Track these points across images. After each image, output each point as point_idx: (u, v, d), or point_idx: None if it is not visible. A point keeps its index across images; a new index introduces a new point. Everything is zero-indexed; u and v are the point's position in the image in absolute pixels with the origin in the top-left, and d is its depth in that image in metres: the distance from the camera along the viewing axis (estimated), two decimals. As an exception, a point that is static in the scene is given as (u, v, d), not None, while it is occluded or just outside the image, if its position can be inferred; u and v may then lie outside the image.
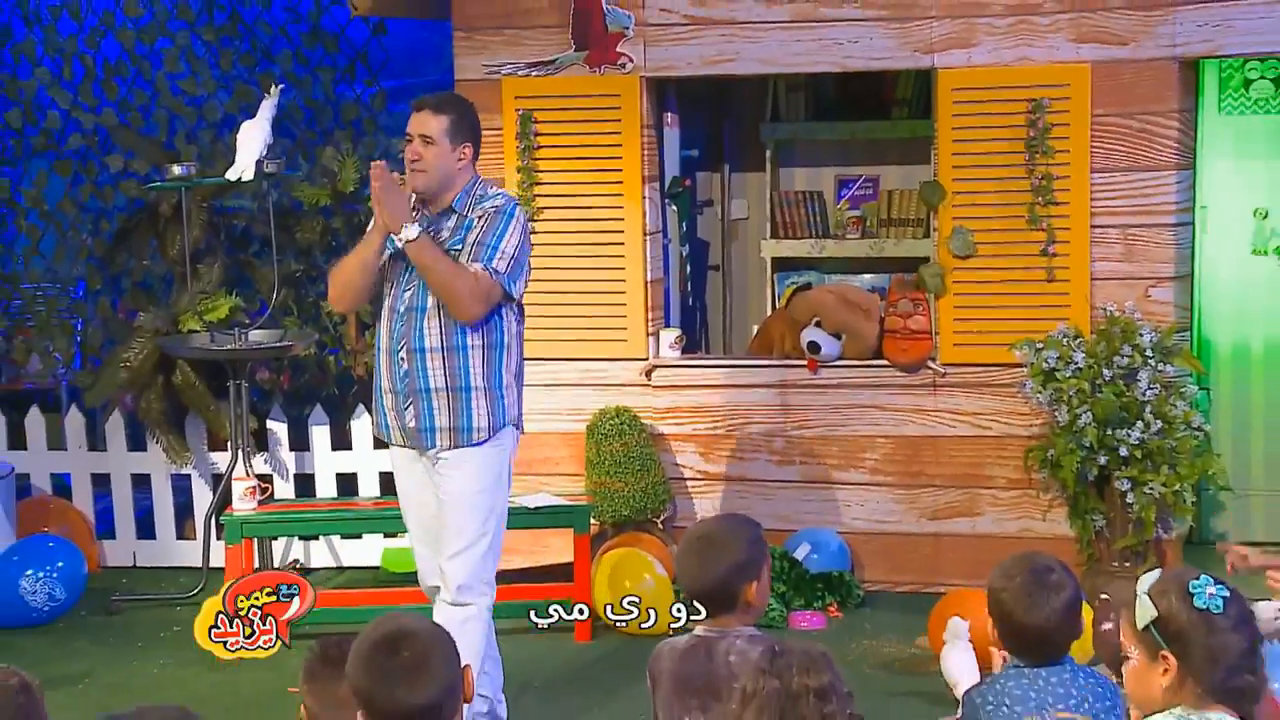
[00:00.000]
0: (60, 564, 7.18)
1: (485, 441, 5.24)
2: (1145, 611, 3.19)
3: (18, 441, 8.12)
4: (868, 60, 7.10)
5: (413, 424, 5.25)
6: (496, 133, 7.34)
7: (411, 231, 5.06)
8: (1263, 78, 7.39)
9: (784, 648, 3.04)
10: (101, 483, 8.10)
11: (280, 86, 7.32)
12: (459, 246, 5.20)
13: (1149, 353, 6.66)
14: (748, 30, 7.15)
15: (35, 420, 8.12)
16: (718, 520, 4.14)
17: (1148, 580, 3.25)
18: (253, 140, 7.13)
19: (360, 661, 3.14)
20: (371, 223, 5.26)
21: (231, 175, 7.15)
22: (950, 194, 7.04)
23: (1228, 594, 3.17)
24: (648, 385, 7.40)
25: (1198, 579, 3.17)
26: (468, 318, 5.13)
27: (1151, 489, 6.58)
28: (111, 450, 8.03)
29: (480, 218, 5.22)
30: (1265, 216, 7.46)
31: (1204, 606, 3.14)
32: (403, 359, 5.23)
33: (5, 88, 9.18)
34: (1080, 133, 6.86)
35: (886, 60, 7.11)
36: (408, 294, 5.23)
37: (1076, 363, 6.67)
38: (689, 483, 7.39)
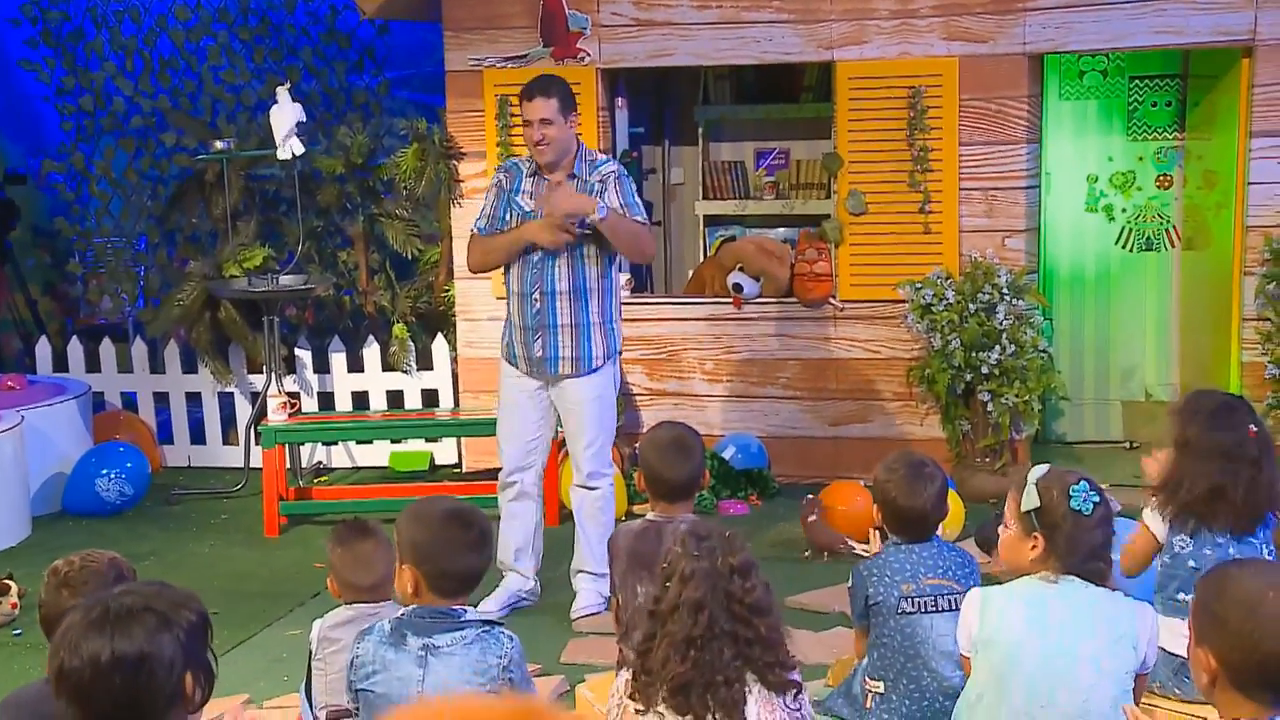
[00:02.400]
0: (129, 465, 7.11)
1: (601, 368, 5.28)
2: (1030, 499, 3.19)
3: (93, 366, 8.03)
4: (780, 54, 7.03)
5: (540, 354, 5.23)
6: (479, 114, 7.25)
7: (602, 212, 5.07)
8: (1093, 70, 7.37)
9: (706, 531, 3.00)
10: (161, 399, 8.02)
11: (288, 84, 7.19)
12: None
13: (1005, 290, 6.66)
14: (683, 30, 7.07)
15: (107, 349, 8.03)
16: (678, 428, 4.07)
17: (1038, 472, 3.24)
18: (286, 123, 7.03)
19: (434, 532, 3.14)
20: (526, 227, 5.19)
21: (283, 155, 7.07)
22: (847, 163, 6.99)
23: (1098, 499, 3.18)
24: (603, 318, 7.35)
25: (1078, 484, 3.17)
26: (648, 260, 5.43)
27: (1007, 399, 6.60)
28: (169, 372, 7.95)
29: (601, 181, 5.19)
30: (1095, 181, 7.45)
31: (1077, 508, 3.14)
32: (535, 300, 5.21)
33: (79, 78, 9.02)
34: (950, 113, 6.81)
35: (795, 54, 7.04)
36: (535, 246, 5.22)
37: (948, 299, 6.66)
38: (638, 397, 7.36)
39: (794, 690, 2.92)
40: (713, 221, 8.13)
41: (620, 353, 5.46)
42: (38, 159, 9.37)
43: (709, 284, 7.42)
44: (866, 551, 5.81)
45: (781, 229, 7.89)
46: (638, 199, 5.28)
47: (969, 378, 6.63)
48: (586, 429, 5.31)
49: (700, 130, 8.09)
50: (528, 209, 5.25)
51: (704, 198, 8.07)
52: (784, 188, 7.98)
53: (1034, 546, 3.18)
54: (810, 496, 6.18)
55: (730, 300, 7.20)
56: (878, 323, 7.04)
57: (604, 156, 5.37)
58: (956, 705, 3.27)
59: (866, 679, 3.67)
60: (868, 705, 3.64)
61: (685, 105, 8.15)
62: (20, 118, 9.55)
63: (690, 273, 7.93)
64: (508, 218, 5.30)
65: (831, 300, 7.10)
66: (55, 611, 3.10)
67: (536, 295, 5.22)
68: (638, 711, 2.95)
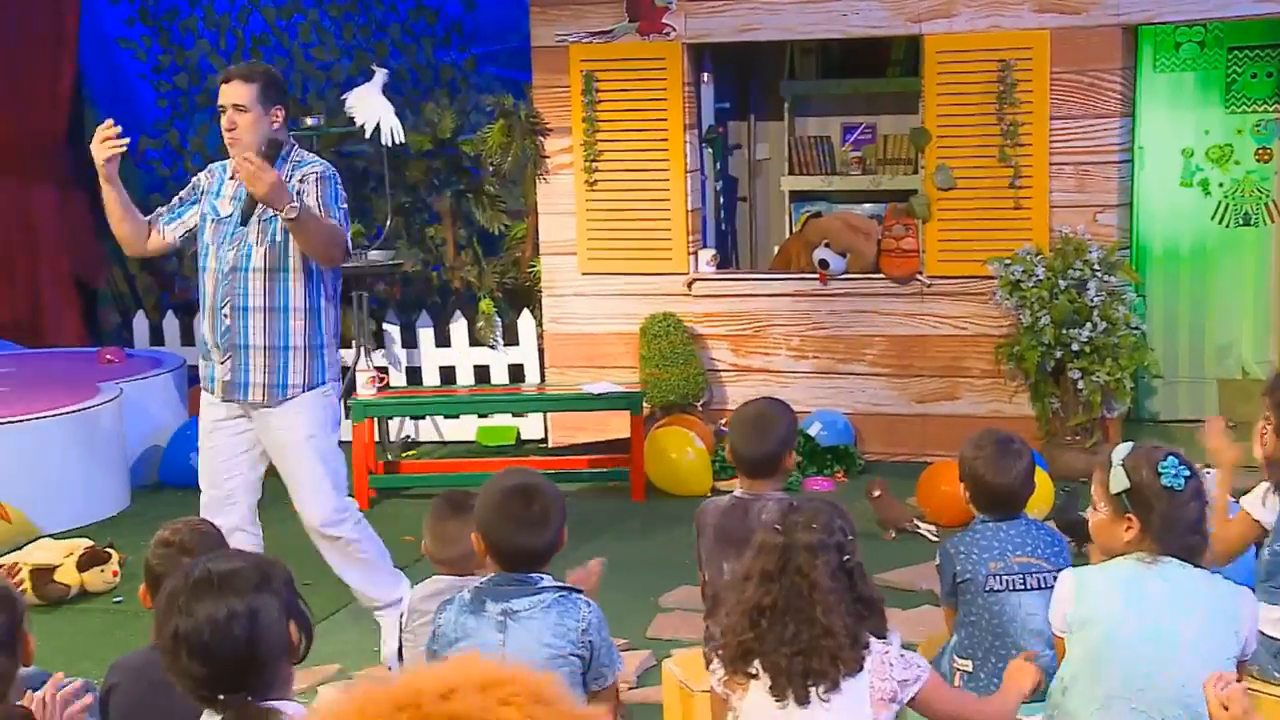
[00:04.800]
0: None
1: (296, 398, 4.63)
2: (1119, 480, 3.13)
3: (188, 339, 8.16)
4: (868, 28, 6.98)
5: (228, 377, 4.61)
6: (564, 89, 7.28)
7: (294, 211, 4.40)
8: (1190, 41, 7.23)
9: (798, 506, 3.03)
10: (254, 373, 8.13)
11: (385, 70, 7.27)
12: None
13: (1096, 266, 6.57)
14: (770, 4, 7.03)
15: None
16: (765, 402, 4.05)
17: (1121, 452, 3.18)
18: (371, 105, 7.13)
19: (493, 507, 3.17)
20: (104, 186, 4.61)
21: (386, 140, 7.17)
22: (935, 138, 6.93)
23: (1189, 474, 3.12)
24: (689, 295, 7.36)
25: (1166, 460, 3.11)
26: (334, 264, 4.69)
27: (1098, 377, 6.52)
28: (261, 347, 8.06)
29: (302, 181, 4.56)
30: (1191, 155, 7.31)
31: (1169, 485, 3.09)
32: (225, 315, 4.59)
33: (175, 56, 9.16)
34: (1041, 87, 6.72)
35: (883, 28, 6.98)
36: (231, 254, 4.58)
37: (1037, 275, 6.59)
38: (722, 374, 7.36)
39: (856, 670, 2.91)
40: (798, 197, 8.09)
41: (337, 381, 4.81)
42: (135, 135, 9.52)
43: (795, 260, 7.40)
44: (931, 533, 5.81)
45: (868, 204, 7.83)
46: (341, 204, 4.61)
47: (1059, 355, 6.56)
48: (306, 476, 4.67)
49: (786, 105, 8.04)
50: (223, 213, 4.63)
51: (790, 173, 8.03)
52: (871, 163, 7.92)
53: (1128, 528, 3.13)
54: (877, 478, 6.21)
55: (816, 276, 7.18)
56: (966, 299, 6.98)
57: (315, 158, 4.73)
58: (1050, 687, 3.23)
59: (955, 658, 3.65)
60: (956, 684, 3.62)
61: (771, 80, 8.11)
62: (118, 95, 9.71)
63: (775, 249, 7.91)
64: (185, 215, 4.73)
65: (919, 276, 7.04)
66: None
67: (227, 310, 4.60)
68: (743, 679, 2.97)
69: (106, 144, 4.54)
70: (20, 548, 5.86)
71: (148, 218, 4.75)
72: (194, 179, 4.79)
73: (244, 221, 4.57)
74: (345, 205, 4.68)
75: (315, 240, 4.52)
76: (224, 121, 4.57)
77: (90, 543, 5.81)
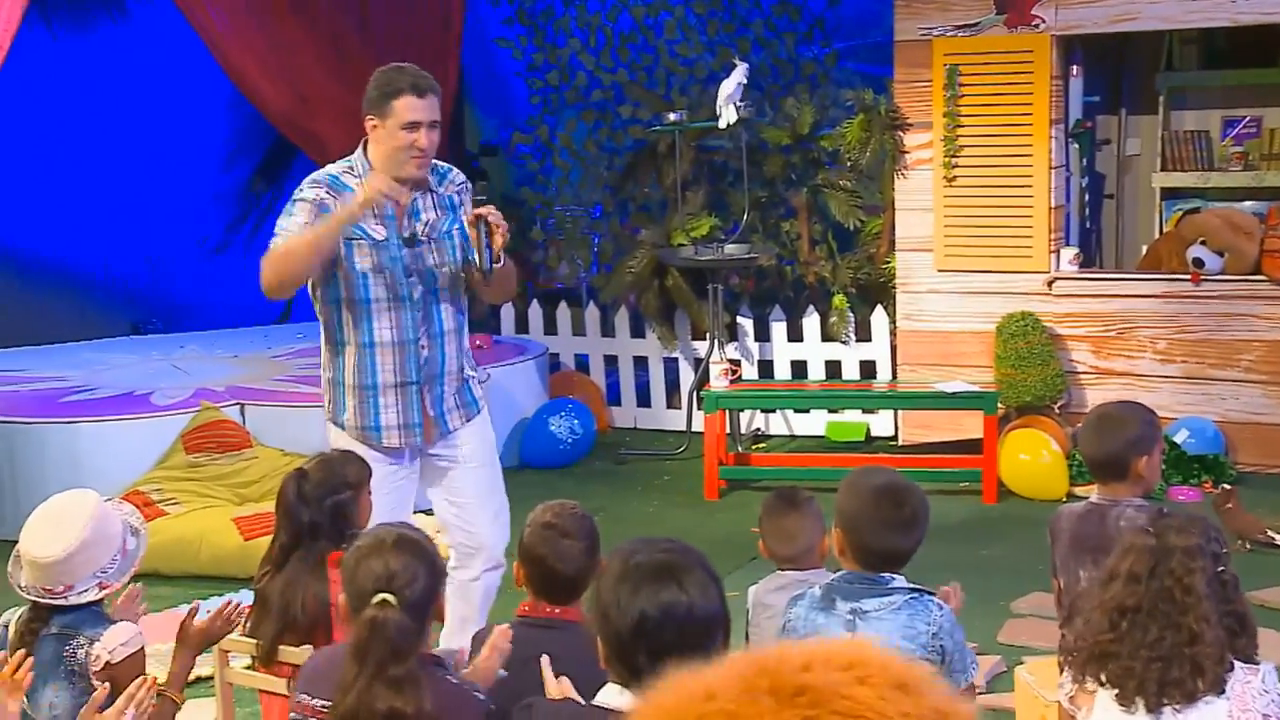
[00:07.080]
0: (576, 421, 7.47)
1: (483, 410, 4.37)
2: None
3: (550, 328, 8.49)
4: (1259, 15, 6.55)
5: (431, 411, 4.21)
6: (926, 84, 7.16)
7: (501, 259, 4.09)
8: None
9: (1170, 512, 2.95)
10: (611, 361, 8.38)
11: (745, 65, 7.34)
12: (457, 225, 4.18)
13: None
14: (1147, -8, 6.71)
15: (563, 312, 8.48)
16: (1118, 402, 3.93)
17: None
18: (725, 90, 7.22)
19: (864, 505, 3.16)
20: (335, 220, 4.00)
21: (721, 124, 7.26)
22: (1328, 131, 6.46)
23: None
24: (1048, 294, 7.11)
25: None
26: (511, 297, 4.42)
27: None
28: (619, 336, 8.30)
29: (458, 193, 4.22)
30: None
31: None
32: (423, 346, 4.18)
33: (548, 54, 9.50)
34: None
35: (1276, 15, 6.54)
36: (411, 280, 4.14)
37: None
38: (1081, 376, 7.08)
39: (1217, 691, 2.75)
40: (1170, 195, 7.70)
41: None
42: (508, 131, 9.95)
43: (1165, 260, 7.04)
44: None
45: (1248, 202, 7.37)
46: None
47: None
48: (497, 488, 4.32)
49: (1161, 98, 7.66)
50: (379, 237, 4.10)
51: (1162, 169, 7.65)
52: (1254, 158, 7.45)
53: None
54: (1225, 486, 5.84)
55: (1188, 277, 6.80)
56: (1359, 305, 6.47)
57: (445, 165, 4.27)
58: None
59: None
60: (1337, 717, 3.37)
61: (1146, 72, 7.74)
62: (495, 93, 10.17)
63: (1144, 249, 7.55)
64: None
65: (1305, 280, 6.58)
66: (567, 563, 3.23)
67: (424, 340, 4.17)
68: (1093, 688, 2.87)
69: (386, 193, 4.00)
70: (396, 519, 6.24)
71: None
72: (316, 197, 4.08)
73: (409, 244, 4.15)
74: None
75: (509, 279, 4.22)
76: (421, 139, 4.03)
77: (458, 516, 6.12)
